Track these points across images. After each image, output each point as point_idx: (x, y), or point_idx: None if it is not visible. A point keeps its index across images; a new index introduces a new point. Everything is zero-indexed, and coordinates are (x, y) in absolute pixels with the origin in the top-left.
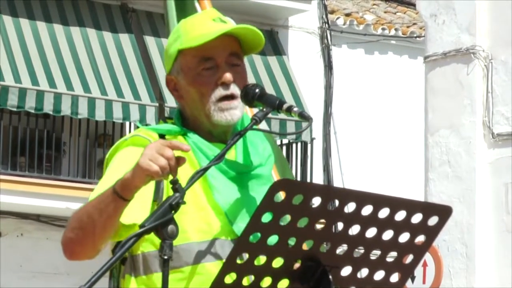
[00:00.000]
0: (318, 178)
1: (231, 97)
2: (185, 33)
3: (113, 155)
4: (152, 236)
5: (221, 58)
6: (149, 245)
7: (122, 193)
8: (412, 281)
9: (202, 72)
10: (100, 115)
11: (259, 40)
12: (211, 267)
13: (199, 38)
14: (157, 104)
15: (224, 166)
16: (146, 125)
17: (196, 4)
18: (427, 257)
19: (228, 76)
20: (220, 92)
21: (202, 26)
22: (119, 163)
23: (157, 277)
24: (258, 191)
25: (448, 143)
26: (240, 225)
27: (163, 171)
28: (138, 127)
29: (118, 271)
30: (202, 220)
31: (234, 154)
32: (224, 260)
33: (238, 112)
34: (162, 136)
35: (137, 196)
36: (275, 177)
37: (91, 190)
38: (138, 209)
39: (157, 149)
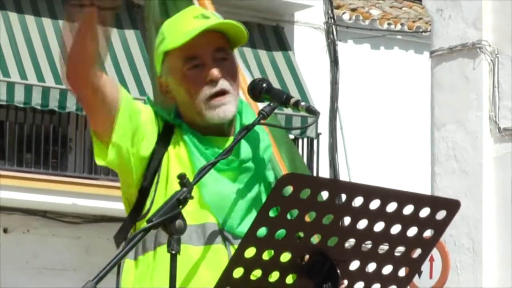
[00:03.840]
0: (324, 173)
1: (222, 93)
2: (168, 34)
3: None
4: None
5: (206, 55)
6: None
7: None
8: (419, 276)
9: (188, 72)
10: None
11: (241, 34)
12: (193, 250)
13: (181, 38)
14: None
15: (212, 158)
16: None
17: (195, 2)
18: (434, 252)
19: (215, 72)
20: (209, 90)
21: (184, 25)
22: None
23: (151, 255)
24: (246, 184)
25: (455, 138)
26: (223, 217)
27: None
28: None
29: None
30: (189, 206)
31: (227, 145)
32: (205, 246)
33: (232, 107)
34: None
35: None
36: (282, 171)
37: (98, 186)
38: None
39: None
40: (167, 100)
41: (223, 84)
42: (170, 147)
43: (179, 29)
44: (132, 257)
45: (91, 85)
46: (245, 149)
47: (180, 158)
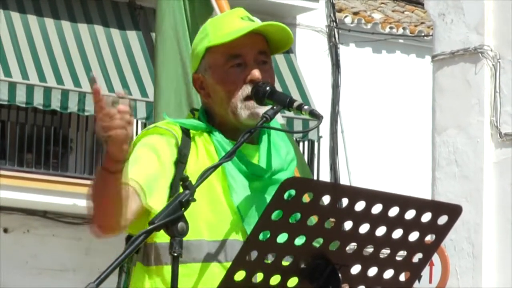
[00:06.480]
0: (325, 176)
1: None
2: (213, 31)
3: (136, 143)
4: None
5: (249, 56)
6: (162, 235)
7: (106, 165)
8: (419, 281)
9: (230, 70)
10: None
11: (287, 38)
12: (217, 268)
13: (227, 36)
14: None
15: (244, 168)
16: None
17: (214, 3)
18: (434, 256)
19: (256, 73)
20: (248, 89)
21: (231, 24)
22: (139, 150)
23: (167, 270)
24: None
25: (456, 143)
26: (250, 225)
27: (120, 127)
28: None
29: (130, 257)
30: (216, 218)
31: (258, 156)
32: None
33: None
34: (187, 130)
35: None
36: None
37: None
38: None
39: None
40: (200, 96)
41: None
42: (193, 153)
43: (225, 27)
44: (145, 263)
45: (123, 227)
46: (276, 161)
47: (205, 161)
